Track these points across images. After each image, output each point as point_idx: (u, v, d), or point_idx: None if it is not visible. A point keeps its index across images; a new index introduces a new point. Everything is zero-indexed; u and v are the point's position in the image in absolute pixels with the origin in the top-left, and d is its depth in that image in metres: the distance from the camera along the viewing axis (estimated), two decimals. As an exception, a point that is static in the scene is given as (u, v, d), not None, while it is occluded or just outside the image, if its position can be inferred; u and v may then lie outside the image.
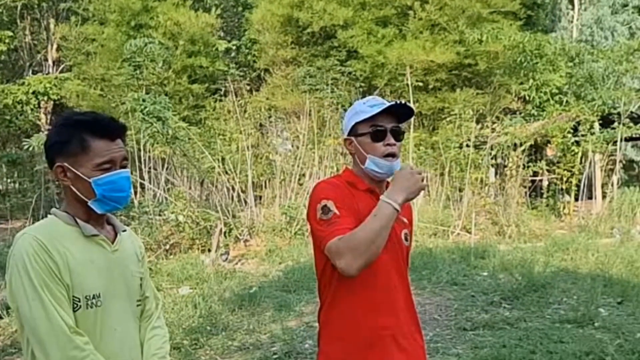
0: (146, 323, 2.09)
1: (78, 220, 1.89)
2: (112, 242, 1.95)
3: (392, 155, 2.16)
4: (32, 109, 19.00)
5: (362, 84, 16.10)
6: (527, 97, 15.26)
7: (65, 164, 1.87)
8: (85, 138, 1.87)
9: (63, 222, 1.90)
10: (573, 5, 22.43)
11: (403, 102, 2.19)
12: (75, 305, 1.82)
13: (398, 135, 2.20)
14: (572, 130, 13.30)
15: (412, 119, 12.77)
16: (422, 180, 2.10)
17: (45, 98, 19.00)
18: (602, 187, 13.49)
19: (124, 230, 2.03)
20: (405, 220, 2.28)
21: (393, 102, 2.17)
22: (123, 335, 1.94)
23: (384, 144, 2.16)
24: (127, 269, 1.99)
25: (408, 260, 2.33)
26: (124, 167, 1.93)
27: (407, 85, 13.24)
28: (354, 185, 2.20)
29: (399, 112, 2.21)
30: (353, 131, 2.22)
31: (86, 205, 1.90)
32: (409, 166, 2.13)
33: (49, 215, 1.96)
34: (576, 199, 13.17)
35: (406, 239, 2.28)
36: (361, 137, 2.19)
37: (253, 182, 12.21)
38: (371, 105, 2.17)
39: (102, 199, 1.88)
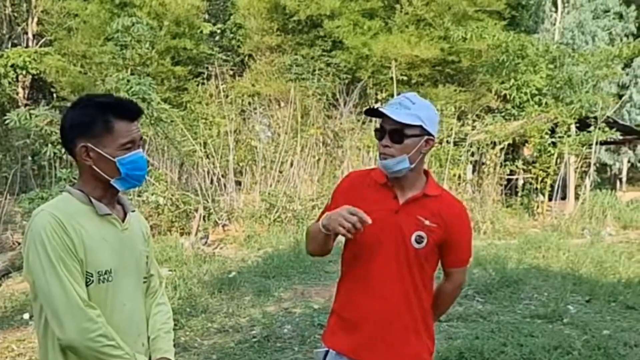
0: (151, 299, 2.19)
1: (92, 200, 1.97)
2: (123, 221, 2.03)
3: (384, 154, 2.23)
4: (9, 83, 18.67)
5: (347, 75, 16.17)
6: (507, 96, 15.50)
7: (89, 144, 1.93)
8: (109, 119, 1.93)
9: (78, 201, 1.97)
10: (556, 7, 22.74)
11: (381, 109, 2.23)
12: (88, 280, 1.90)
13: (398, 137, 2.22)
14: (549, 132, 13.56)
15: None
16: (345, 226, 2.09)
17: (24, 72, 18.69)
18: (576, 188, 13.82)
19: (133, 211, 2.12)
20: (426, 222, 2.26)
21: (376, 107, 2.28)
22: (131, 310, 2.03)
23: (380, 144, 2.25)
24: (136, 247, 2.07)
25: (423, 265, 2.31)
26: (140, 146, 2.01)
27: (391, 78, 13.35)
28: (375, 180, 2.33)
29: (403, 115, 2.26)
30: None
31: (105, 184, 1.97)
32: (351, 210, 2.12)
33: (62, 193, 2.02)
34: (550, 199, 13.45)
35: (418, 241, 2.26)
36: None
37: (233, 168, 12.23)
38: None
39: (125, 177, 1.96)
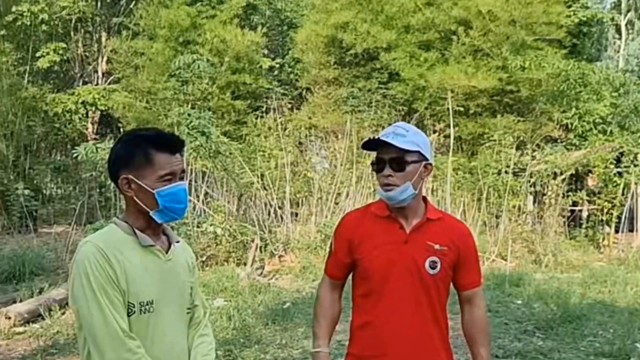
0: (194, 331, 2.20)
1: (136, 231, 2.00)
2: (166, 252, 2.06)
3: (387, 185, 2.22)
4: (80, 118, 19.63)
5: (403, 107, 16.18)
6: (569, 126, 15.10)
7: (130, 176, 1.98)
8: (149, 151, 1.98)
9: (122, 231, 2.01)
10: (620, 35, 22.15)
11: (380, 138, 2.24)
12: (129, 310, 1.94)
13: (399, 165, 2.22)
14: (614, 161, 13.10)
15: (451, 143, 12.83)
16: None
17: (93, 108, 19.63)
18: (644, 220, 13.21)
19: (178, 242, 2.13)
20: (437, 247, 2.26)
21: (372, 137, 2.30)
22: (173, 340, 2.05)
23: (381, 175, 2.24)
24: (179, 277, 2.09)
25: (439, 289, 2.29)
26: (182, 179, 2.04)
27: (448, 109, 13.27)
28: (376, 214, 2.33)
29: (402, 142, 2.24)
30: None
31: (147, 216, 2.01)
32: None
33: (110, 224, 2.09)
34: (616, 231, 12.92)
35: (433, 267, 2.25)
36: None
37: (290, 199, 12.36)
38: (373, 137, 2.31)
39: (163, 209, 1.99)
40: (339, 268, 2.40)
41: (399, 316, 2.25)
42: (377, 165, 2.26)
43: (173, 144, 2.03)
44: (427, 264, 2.24)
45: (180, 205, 2.02)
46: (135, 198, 2.00)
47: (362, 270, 2.31)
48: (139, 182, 1.98)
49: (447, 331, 2.38)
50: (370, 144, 2.30)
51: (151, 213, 2.00)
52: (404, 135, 2.23)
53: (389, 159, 2.23)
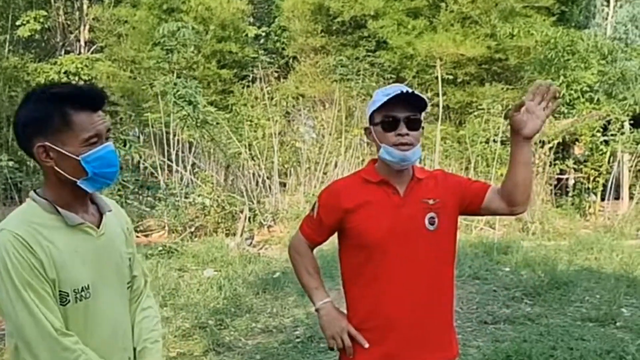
0: (135, 304, 1.98)
1: (60, 209, 1.74)
2: (98, 226, 1.81)
3: (404, 144, 2.16)
4: (63, 89, 19.29)
5: (391, 75, 16.07)
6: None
7: (47, 143, 1.70)
8: (67, 112, 1.69)
9: (43, 210, 1.74)
10: (608, 2, 22.06)
11: (411, 90, 2.17)
12: (64, 300, 1.72)
13: (414, 124, 2.18)
14: (601, 129, 13.14)
15: (440, 112, 12.79)
16: (336, 344, 2.27)
17: (77, 78, 19.24)
18: (630, 188, 13.33)
19: (110, 210, 1.88)
20: (430, 201, 2.23)
21: (400, 91, 2.15)
22: (114, 324, 1.85)
23: (396, 133, 2.17)
24: (115, 252, 1.87)
25: (441, 245, 2.26)
26: (108, 139, 1.78)
27: (436, 78, 13.20)
28: (367, 181, 2.27)
29: (416, 101, 2.19)
30: (371, 120, 2.26)
31: (72, 186, 1.75)
32: (351, 334, 2.25)
33: (27, 199, 1.80)
34: (602, 199, 13.03)
35: (432, 223, 2.22)
36: (376, 127, 2.22)
37: (278, 169, 12.31)
38: (387, 94, 2.17)
39: (93, 177, 1.73)
40: (320, 234, 2.36)
41: (402, 280, 2.20)
42: (389, 124, 2.18)
43: (94, 100, 1.74)
44: (426, 222, 2.21)
45: (112, 169, 1.76)
46: (56, 167, 1.72)
47: (358, 238, 2.24)
48: (59, 149, 1.70)
49: (452, 291, 2.36)
50: (392, 99, 2.16)
51: (78, 182, 1.73)
52: (415, 94, 2.19)
53: (405, 118, 2.17)
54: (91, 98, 1.74)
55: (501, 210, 2.25)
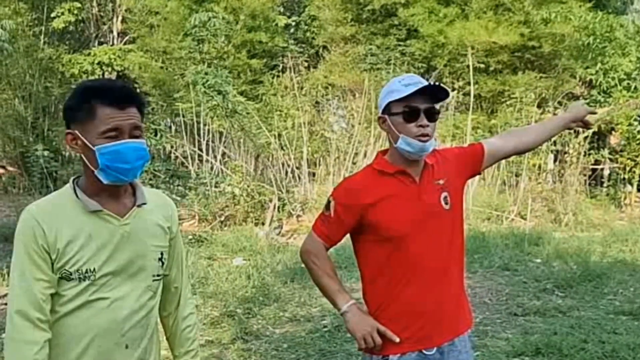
0: (172, 307, 2.06)
1: (79, 194, 1.84)
2: (124, 216, 1.87)
3: (425, 135, 2.18)
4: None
5: (422, 64, 15.90)
6: (592, 82, 14.73)
7: (75, 131, 1.82)
8: (93, 104, 1.80)
9: (69, 194, 1.86)
10: (647, -14, 21.39)
11: (437, 83, 2.21)
12: (68, 278, 1.80)
13: (432, 115, 2.21)
14: (638, 118, 12.81)
15: (471, 101, 12.62)
16: (366, 345, 2.23)
17: (109, 69, 19.55)
18: (668, 178, 12.98)
19: (144, 203, 1.93)
20: (440, 181, 2.28)
21: (427, 83, 2.17)
22: (117, 308, 1.86)
23: (417, 124, 2.18)
24: (140, 243, 1.89)
25: (455, 226, 2.30)
26: (135, 137, 1.83)
27: (468, 66, 13.01)
28: (383, 173, 2.27)
29: (435, 92, 2.21)
30: (387, 110, 2.26)
31: (94, 175, 1.83)
32: (380, 331, 2.23)
33: (66, 185, 1.91)
34: (638, 190, 12.73)
35: (446, 203, 2.26)
36: (394, 117, 2.23)
37: (307, 159, 12.31)
38: (406, 85, 2.18)
39: (105, 168, 1.79)
40: (338, 233, 2.34)
41: (431, 266, 2.24)
42: (409, 114, 2.19)
43: (120, 97, 1.82)
44: (442, 202, 2.27)
45: (126, 165, 1.80)
46: (82, 155, 1.83)
47: (382, 232, 2.25)
48: (82, 138, 1.81)
49: (463, 259, 2.44)
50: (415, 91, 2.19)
51: (95, 172, 1.81)
52: (441, 86, 2.25)
53: (425, 109, 2.20)
54: (119, 94, 1.83)
55: (503, 158, 2.56)
